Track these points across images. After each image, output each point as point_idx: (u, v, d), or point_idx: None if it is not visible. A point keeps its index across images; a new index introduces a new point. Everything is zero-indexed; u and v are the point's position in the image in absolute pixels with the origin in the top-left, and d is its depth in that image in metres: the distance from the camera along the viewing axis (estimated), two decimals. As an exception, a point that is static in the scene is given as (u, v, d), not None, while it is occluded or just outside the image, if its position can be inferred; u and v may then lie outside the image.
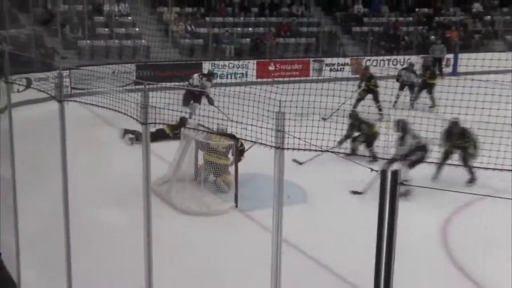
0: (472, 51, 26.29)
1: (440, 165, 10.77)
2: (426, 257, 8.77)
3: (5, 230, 7.85)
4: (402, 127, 11.02)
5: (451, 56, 26.10)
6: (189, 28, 24.08)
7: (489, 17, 30.29)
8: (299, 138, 4.77)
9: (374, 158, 12.12)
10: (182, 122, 12.53)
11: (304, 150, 4.73)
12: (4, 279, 7.31)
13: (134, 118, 5.47)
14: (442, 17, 29.35)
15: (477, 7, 30.74)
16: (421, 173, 9.88)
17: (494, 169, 4.87)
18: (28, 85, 15.02)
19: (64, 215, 6.54)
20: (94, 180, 11.31)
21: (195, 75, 17.03)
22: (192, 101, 15.21)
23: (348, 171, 11.99)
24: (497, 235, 9.43)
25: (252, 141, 4.90)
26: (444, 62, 25.49)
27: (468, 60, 23.25)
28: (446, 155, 11.07)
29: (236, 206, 10.31)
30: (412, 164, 10.47)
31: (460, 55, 25.76)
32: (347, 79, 20.67)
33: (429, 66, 21.80)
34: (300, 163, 11.75)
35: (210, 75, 18.03)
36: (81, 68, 16.03)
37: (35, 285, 7.51)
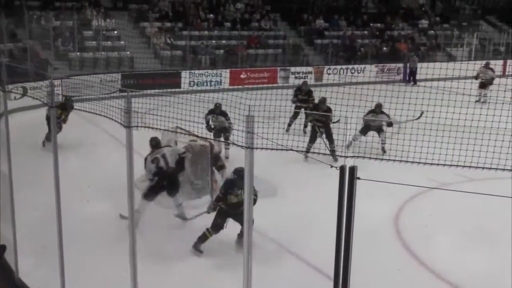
0: (418, 61, 26.62)
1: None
2: (381, 240, 8.86)
3: (3, 224, 7.74)
4: (153, 143, 9.24)
5: (401, 65, 26.43)
6: (168, 41, 24.00)
7: (432, 31, 30.70)
8: (267, 139, 4.78)
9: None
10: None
11: (272, 149, 4.73)
12: (3, 268, 7.22)
13: (118, 122, 5.42)
14: (393, 31, 29.65)
15: (422, 23, 31.16)
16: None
17: (430, 163, 4.93)
18: (24, 93, 14.83)
19: (57, 209, 6.48)
20: (83, 177, 11.19)
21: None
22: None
23: (312, 167, 12.06)
24: (440, 221, 9.58)
25: (224, 141, 4.89)
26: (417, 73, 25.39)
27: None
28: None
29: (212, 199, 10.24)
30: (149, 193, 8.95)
31: (408, 64, 26.07)
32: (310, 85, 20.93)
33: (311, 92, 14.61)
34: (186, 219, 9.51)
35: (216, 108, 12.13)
36: (71, 77, 15.85)
37: (32, 273, 7.40)
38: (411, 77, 25.68)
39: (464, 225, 9.40)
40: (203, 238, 8.26)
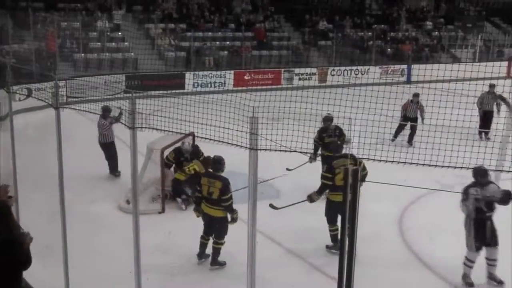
0: (422, 62, 26.58)
1: None
2: (384, 241, 8.85)
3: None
4: None
5: (405, 66, 26.38)
6: (173, 42, 24.03)
7: (436, 33, 30.66)
8: (271, 140, 4.77)
9: None
10: None
11: (275, 150, 4.73)
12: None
13: (122, 123, 5.43)
14: (397, 32, 29.62)
15: (427, 24, 31.12)
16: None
17: (446, 166, 4.92)
18: (28, 94, 14.87)
19: (61, 210, 6.49)
20: (88, 178, 11.23)
21: None
22: None
23: (315, 170, 12.00)
24: (444, 223, 9.55)
25: (227, 143, 4.89)
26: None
27: (419, 70, 23.57)
28: None
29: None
30: None
31: (412, 66, 26.03)
32: (314, 87, 21.01)
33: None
34: (277, 208, 8.86)
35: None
36: (76, 78, 15.89)
37: (36, 273, 7.39)
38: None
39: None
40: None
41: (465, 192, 7.37)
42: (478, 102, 14.96)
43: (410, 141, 13.87)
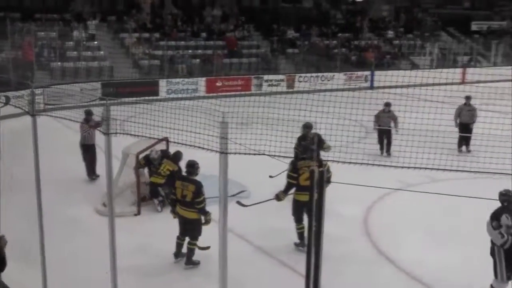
0: (384, 69, 26.90)
1: None
2: (350, 239, 8.90)
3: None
4: None
5: (368, 73, 26.65)
6: (146, 51, 23.91)
7: (397, 41, 31.08)
8: (240, 144, 4.77)
9: None
10: None
11: (245, 154, 4.72)
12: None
13: (98, 129, 5.37)
14: (360, 41, 29.93)
15: (388, 33, 31.53)
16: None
17: (399, 167, 4.97)
18: (6, 102, 14.64)
19: (38, 212, 6.38)
20: (65, 182, 11.06)
21: None
22: None
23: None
24: (406, 220, 9.66)
25: (199, 147, 4.87)
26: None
27: (381, 76, 23.90)
28: None
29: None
30: None
31: (375, 72, 26.32)
32: (282, 92, 21.07)
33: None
34: (245, 206, 8.85)
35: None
36: (53, 86, 15.68)
37: (14, 275, 7.25)
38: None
39: (428, 223, 9.49)
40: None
41: (497, 219, 6.59)
42: (455, 115, 14.23)
43: (388, 151, 13.51)
